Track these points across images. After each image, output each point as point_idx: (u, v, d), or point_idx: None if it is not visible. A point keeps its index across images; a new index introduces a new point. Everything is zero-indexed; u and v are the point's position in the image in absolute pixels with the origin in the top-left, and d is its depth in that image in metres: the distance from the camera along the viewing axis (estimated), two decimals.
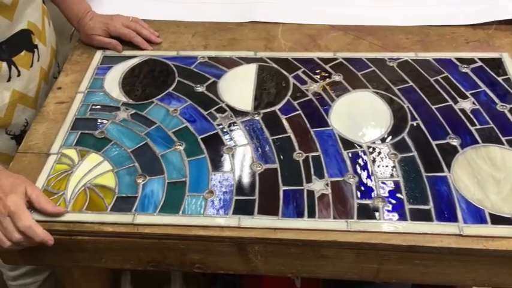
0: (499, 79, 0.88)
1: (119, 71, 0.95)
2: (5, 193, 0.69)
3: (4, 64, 0.84)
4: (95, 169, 0.78)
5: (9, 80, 0.85)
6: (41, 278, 1.14)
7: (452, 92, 0.86)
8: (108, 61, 0.97)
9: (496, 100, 0.84)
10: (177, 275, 1.09)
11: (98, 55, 0.99)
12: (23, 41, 0.87)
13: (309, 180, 0.74)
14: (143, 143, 0.81)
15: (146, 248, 0.72)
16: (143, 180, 0.76)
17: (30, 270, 1.11)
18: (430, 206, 0.70)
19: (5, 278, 1.15)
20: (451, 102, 0.85)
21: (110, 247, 0.72)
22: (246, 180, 0.75)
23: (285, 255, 0.71)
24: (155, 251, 0.72)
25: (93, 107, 0.88)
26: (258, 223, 0.70)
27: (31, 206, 0.71)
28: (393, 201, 0.71)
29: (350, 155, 0.78)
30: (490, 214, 0.68)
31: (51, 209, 0.71)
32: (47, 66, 0.95)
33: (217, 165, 0.77)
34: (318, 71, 0.92)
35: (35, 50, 0.90)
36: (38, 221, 0.69)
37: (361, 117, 0.84)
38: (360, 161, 0.77)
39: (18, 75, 0.87)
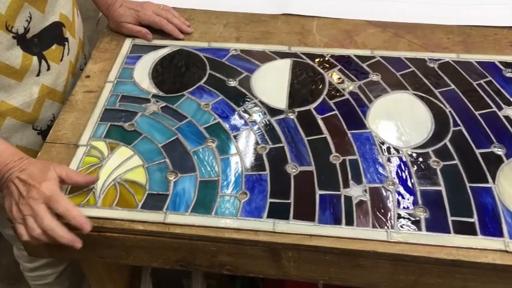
0: None
1: (148, 60, 0.92)
2: (38, 181, 0.67)
3: (34, 58, 0.80)
4: (125, 163, 0.75)
5: (38, 74, 0.82)
6: (59, 269, 1.12)
7: (497, 98, 0.83)
8: (138, 50, 0.95)
9: None
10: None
11: (127, 43, 0.96)
12: (55, 34, 0.83)
13: (346, 185, 0.72)
14: (174, 138, 0.79)
15: (176, 247, 0.70)
16: (175, 178, 0.73)
17: (49, 262, 1.09)
18: (475, 219, 0.67)
19: (22, 269, 1.14)
20: (495, 109, 0.81)
21: (139, 245, 0.70)
22: (280, 182, 0.72)
23: (319, 262, 0.68)
24: (185, 251, 0.70)
25: (123, 97, 0.85)
26: (294, 228, 0.67)
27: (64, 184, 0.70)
28: (435, 212, 0.68)
29: (389, 160, 0.75)
30: None
31: (83, 180, 0.71)
32: (74, 59, 0.91)
33: (250, 165, 0.75)
34: (354, 70, 0.89)
35: (66, 43, 0.86)
36: None
37: (400, 120, 0.80)
38: (400, 167, 0.74)
39: (48, 69, 0.83)
